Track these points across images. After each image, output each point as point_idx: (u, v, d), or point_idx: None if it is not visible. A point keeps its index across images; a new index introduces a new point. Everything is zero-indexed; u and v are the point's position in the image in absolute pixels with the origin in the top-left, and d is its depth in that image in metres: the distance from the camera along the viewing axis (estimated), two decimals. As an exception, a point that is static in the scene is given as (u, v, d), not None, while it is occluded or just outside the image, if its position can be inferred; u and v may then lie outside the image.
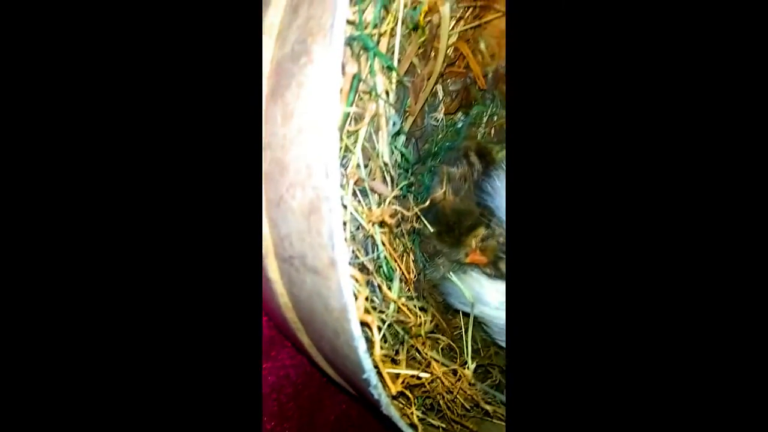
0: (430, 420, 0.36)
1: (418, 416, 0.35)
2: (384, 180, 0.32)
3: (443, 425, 0.37)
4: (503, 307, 0.34)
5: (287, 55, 0.27)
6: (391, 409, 0.32)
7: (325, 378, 0.44)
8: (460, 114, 0.49)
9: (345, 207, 0.29)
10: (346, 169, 0.30)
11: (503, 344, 0.39)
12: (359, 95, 0.30)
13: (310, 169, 0.25)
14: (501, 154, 0.48)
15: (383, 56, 0.29)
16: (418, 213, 0.42)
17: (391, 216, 0.29)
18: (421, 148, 0.42)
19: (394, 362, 0.35)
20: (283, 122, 0.27)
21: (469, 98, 0.47)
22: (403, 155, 0.34)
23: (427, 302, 0.40)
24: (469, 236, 0.44)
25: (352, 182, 0.29)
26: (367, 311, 0.29)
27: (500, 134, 0.51)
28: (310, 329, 0.34)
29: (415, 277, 0.39)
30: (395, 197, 0.36)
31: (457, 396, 0.35)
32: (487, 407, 0.37)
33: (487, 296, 0.36)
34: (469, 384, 0.36)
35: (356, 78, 0.26)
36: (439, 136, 0.47)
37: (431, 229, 0.43)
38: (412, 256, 0.40)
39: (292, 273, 0.30)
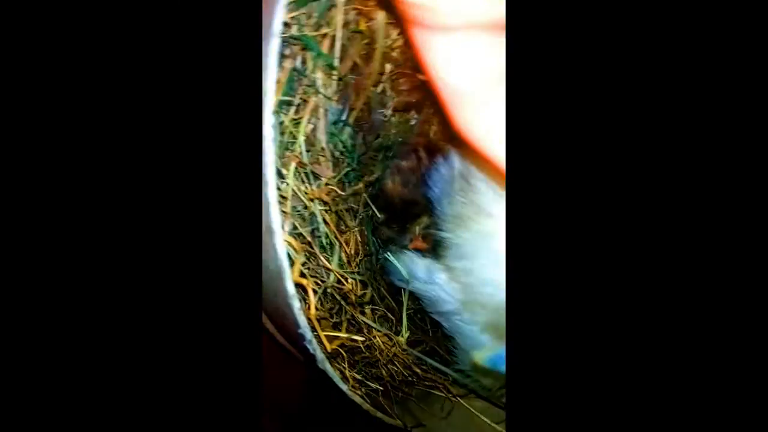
0: (369, 383, 0.40)
1: (353, 376, 0.39)
2: (327, 166, 0.37)
3: (380, 387, 0.42)
4: (431, 281, 0.39)
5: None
6: (325, 364, 0.36)
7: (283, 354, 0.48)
8: (413, 112, 0.54)
9: (287, 184, 0.33)
10: (290, 152, 0.34)
11: (432, 314, 0.43)
12: (304, 89, 0.35)
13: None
14: (450, 152, 0.52)
15: (324, 55, 0.34)
16: (368, 200, 0.46)
17: (327, 194, 0.34)
18: (371, 141, 0.47)
19: (335, 327, 0.40)
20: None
21: (422, 98, 0.52)
22: (344, 144, 0.38)
23: (371, 278, 0.45)
24: (414, 224, 0.49)
25: (294, 164, 0.34)
26: (303, 275, 0.33)
27: (451, 133, 0.56)
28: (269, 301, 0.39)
29: (361, 255, 0.44)
30: (341, 182, 0.41)
31: (393, 360, 0.40)
32: (418, 371, 0.41)
33: (419, 273, 0.41)
34: (402, 350, 0.40)
35: (293, 71, 0.31)
36: (393, 132, 0.52)
37: (380, 216, 0.48)
38: (359, 237, 0.45)
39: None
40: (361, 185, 0.39)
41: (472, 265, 0.32)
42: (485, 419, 0.48)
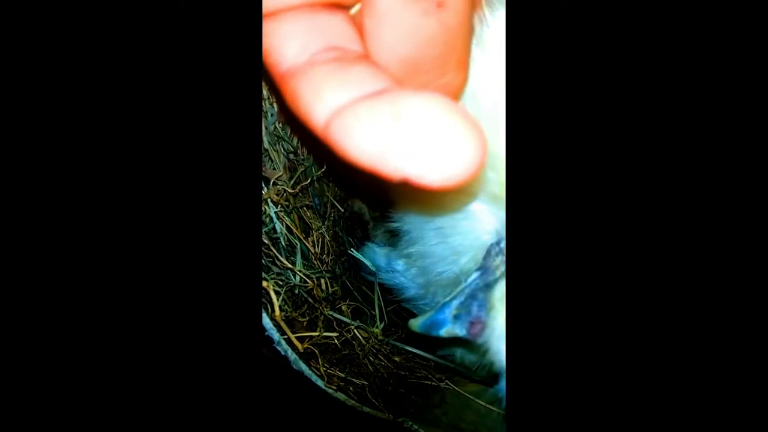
0: (349, 378, 0.40)
1: (337, 375, 0.39)
2: (274, 168, 0.37)
3: (365, 383, 0.42)
4: (392, 269, 0.39)
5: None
6: (299, 364, 0.36)
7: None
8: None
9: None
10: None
11: (402, 303, 0.43)
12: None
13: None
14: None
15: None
16: (331, 198, 0.46)
17: (277, 195, 0.34)
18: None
19: (310, 326, 0.40)
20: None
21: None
22: (289, 143, 0.38)
23: (345, 275, 0.45)
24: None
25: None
26: (264, 279, 0.33)
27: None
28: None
29: (331, 254, 0.44)
30: (296, 183, 0.41)
31: (375, 353, 0.40)
32: (396, 359, 0.42)
33: (380, 263, 0.41)
34: (379, 340, 0.41)
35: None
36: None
37: (341, 210, 0.48)
38: (327, 237, 0.45)
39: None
40: (308, 181, 0.39)
41: (423, 248, 0.33)
42: (480, 402, 0.48)
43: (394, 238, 0.39)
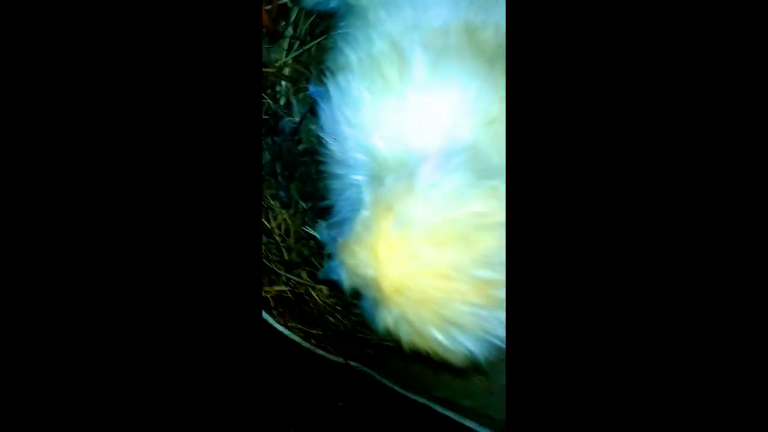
0: (309, 330, 0.50)
1: (296, 326, 0.49)
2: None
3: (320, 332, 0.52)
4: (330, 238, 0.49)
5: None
6: (266, 315, 0.46)
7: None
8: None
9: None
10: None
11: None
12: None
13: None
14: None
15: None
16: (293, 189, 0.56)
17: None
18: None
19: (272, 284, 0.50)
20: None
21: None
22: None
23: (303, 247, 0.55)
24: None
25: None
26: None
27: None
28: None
29: (292, 234, 0.54)
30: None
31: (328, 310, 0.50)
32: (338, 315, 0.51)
33: (323, 233, 0.51)
34: (325, 297, 0.51)
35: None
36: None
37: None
38: (290, 221, 0.55)
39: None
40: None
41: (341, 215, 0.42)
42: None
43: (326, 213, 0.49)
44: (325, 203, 0.44)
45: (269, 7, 0.47)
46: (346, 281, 0.34)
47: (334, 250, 0.38)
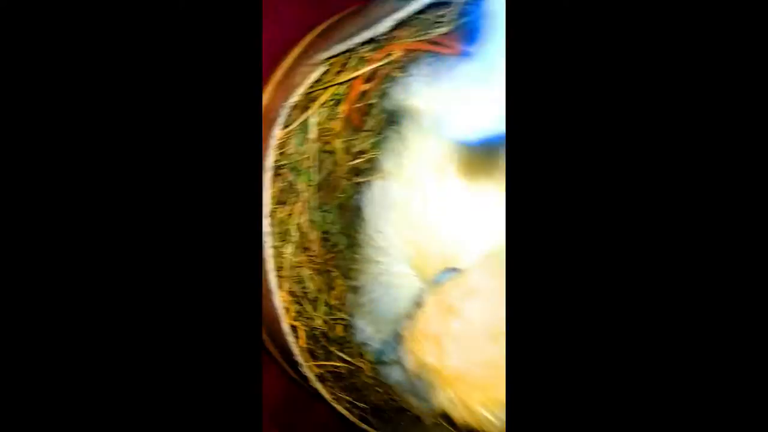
0: (348, 399, 0.55)
1: (339, 396, 0.54)
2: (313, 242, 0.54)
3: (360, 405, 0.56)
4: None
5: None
6: (317, 384, 0.51)
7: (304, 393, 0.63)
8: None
9: (283, 257, 0.50)
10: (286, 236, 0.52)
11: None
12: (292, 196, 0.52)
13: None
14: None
15: (304, 172, 0.52)
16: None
17: (311, 262, 0.51)
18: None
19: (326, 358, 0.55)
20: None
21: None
22: (323, 227, 0.56)
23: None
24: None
25: (290, 244, 0.51)
26: (295, 319, 0.50)
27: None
28: (272, 340, 0.55)
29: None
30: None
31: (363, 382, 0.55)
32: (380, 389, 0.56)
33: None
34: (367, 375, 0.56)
35: (285, 186, 0.49)
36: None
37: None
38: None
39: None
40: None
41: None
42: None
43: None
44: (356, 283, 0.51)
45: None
46: (406, 364, 0.40)
47: (390, 335, 0.44)
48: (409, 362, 0.39)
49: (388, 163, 0.49)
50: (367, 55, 0.45)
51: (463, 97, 0.43)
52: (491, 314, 0.35)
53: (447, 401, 0.37)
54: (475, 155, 0.43)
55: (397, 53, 0.44)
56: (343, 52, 0.43)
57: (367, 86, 0.48)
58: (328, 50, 0.44)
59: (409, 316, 0.39)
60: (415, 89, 0.46)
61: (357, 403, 0.57)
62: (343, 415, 0.54)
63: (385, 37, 0.42)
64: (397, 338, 0.40)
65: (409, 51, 0.44)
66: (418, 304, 0.40)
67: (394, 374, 0.50)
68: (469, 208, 0.43)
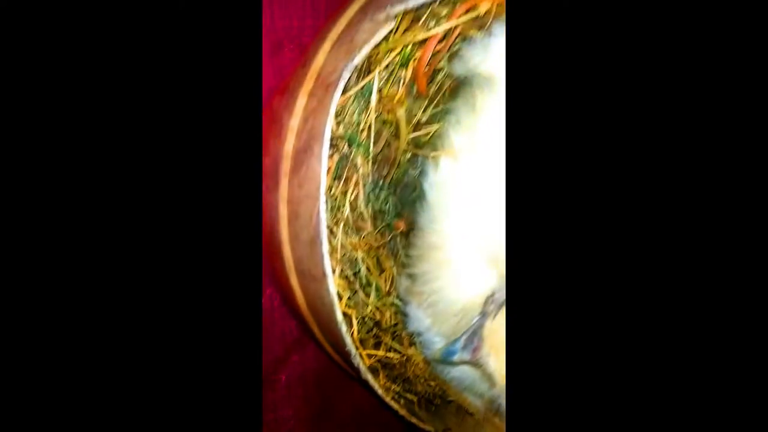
0: (397, 389, 0.51)
1: (388, 386, 0.50)
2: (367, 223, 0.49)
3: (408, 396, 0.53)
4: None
5: (301, 147, 0.45)
6: (367, 375, 0.47)
7: (342, 373, 0.59)
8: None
9: (336, 238, 0.45)
10: (338, 214, 0.47)
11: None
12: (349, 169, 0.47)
13: (311, 218, 0.42)
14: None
15: (362, 144, 0.46)
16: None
17: (365, 245, 0.46)
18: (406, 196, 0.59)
19: (377, 347, 0.51)
20: (298, 189, 0.45)
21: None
22: (379, 205, 0.50)
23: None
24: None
25: (342, 224, 0.46)
26: (348, 306, 0.45)
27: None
28: (318, 323, 0.51)
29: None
30: (379, 233, 0.53)
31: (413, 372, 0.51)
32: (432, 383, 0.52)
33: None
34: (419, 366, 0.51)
35: (340, 158, 0.43)
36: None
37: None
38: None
39: (303, 282, 0.47)
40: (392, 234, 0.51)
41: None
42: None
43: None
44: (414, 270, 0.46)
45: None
46: (484, 365, 0.36)
47: (454, 330, 0.40)
48: (489, 365, 0.34)
49: (458, 138, 0.43)
50: (445, 9, 0.38)
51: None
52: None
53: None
54: None
55: (484, 6, 0.37)
56: (419, 7, 0.36)
57: (439, 46, 0.41)
58: (399, 3, 0.37)
59: (487, 313, 0.35)
60: (496, 53, 0.40)
61: (405, 394, 0.53)
62: (387, 404, 0.50)
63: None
64: (471, 337, 0.36)
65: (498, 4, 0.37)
66: (495, 301, 0.35)
67: (454, 371, 0.46)
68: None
